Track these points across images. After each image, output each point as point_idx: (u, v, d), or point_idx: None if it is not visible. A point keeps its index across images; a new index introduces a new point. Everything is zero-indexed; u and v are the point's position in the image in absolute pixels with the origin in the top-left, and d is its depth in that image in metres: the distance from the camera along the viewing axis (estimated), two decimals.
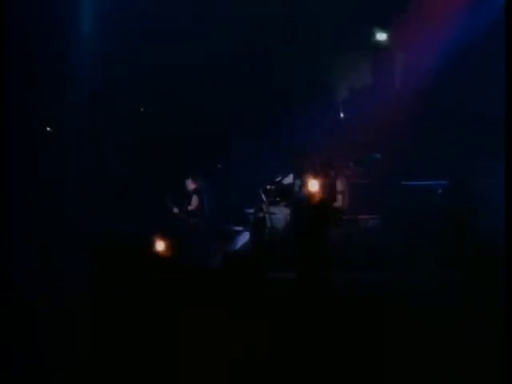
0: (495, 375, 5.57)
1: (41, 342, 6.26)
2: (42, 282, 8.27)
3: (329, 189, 11.45)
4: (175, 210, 12.75)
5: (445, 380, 5.77)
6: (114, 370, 5.76)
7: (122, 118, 14.16)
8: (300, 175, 11.38)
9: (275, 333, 6.48)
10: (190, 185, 12.89)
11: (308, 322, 6.78)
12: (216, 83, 13.93)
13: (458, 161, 12.32)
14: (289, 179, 11.92)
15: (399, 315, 6.89)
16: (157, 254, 9.78)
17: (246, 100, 14.19)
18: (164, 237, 10.00)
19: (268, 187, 12.12)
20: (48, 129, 14.16)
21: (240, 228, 12.50)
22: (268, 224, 11.81)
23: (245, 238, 12.24)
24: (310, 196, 10.66)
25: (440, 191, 12.23)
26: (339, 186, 11.66)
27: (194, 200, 12.83)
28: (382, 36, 14.40)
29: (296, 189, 11.53)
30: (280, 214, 11.88)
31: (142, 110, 14.97)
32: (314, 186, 10.72)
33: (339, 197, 11.62)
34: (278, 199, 12.00)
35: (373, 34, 14.37)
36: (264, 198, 11.93)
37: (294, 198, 11.52)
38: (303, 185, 11.24)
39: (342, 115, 14.55)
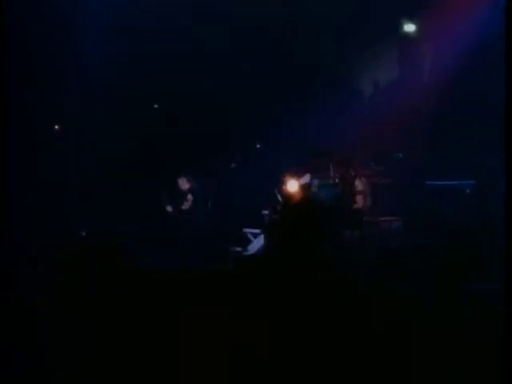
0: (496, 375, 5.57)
1: (41, 341, 6.26)
2: (42, 282, 8.27)
3: (347, 189, 11.10)
4: (169, 209, 12.78)
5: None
6: (114, 370, 5.75)
7: (122, 118, 14.17)
8: (318, 175, 11.05)
9: (275, 333, 6.47)
10: (184, 184, 12.89)
11: (309, 323, 6.77)
12: (216, 83, 13.93)
13: (484, 158, 11.54)
14: (306, 179, 11.37)
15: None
16: None
17: (256, 98, 13.97)
18: None
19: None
20: (56, 127, 14.15)
21: (257, 231, 11.67)
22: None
23: (260, 241, 11.39)
24: (289, 196, 10.23)
25: (468, 191, 11.51)
26: (358, 186, 11.21)
27: (189, 200, 12.83)
28: (410, 27, 13.73)
29: (314, 189, 11.16)
30: None
31: (155, 106, 14.72)
32: (293, 186, 10.34)
33: (358, 197, 11.17)
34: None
35: (400, 26, 13.75)
36: (280, 199, 11.19)
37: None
38: (322, 185, 10.92)
39: (365, 111, 13.82)
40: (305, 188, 10.71)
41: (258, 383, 5.72)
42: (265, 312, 6.90)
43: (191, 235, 12.46)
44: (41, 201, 13.06)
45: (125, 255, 9.37)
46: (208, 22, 13.58)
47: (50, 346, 6.14)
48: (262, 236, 11.24)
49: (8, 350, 6.09)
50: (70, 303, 7.33)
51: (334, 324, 6.68)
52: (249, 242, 11.73)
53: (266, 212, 11.43)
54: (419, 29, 13.71)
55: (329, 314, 6.97)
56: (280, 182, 11.10)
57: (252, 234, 11.81)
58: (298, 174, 11.57)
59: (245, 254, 11.32)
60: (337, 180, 11.44)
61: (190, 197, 12.81)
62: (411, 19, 13.70)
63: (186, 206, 12.82)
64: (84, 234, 11.97)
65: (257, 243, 11.48)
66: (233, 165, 13.45)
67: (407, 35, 13.81)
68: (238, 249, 11.55)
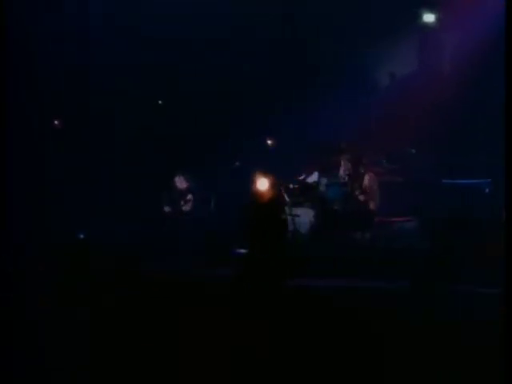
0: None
1: (41, 341, 6.26)
2: (42, 282, 8.27)
3: (357, 188, 10.79)
4: (168, 209, 12.75)
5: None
6: (114, 370, 5.75)
7: (123, 118, 14.17)
8: (326, 173, 10.76)
9: (275, 333, 6.47)
10: (182, 183, 12.86)
11: (306, 325, 6.78)
12: (216, 83, 13.93)
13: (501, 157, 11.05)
14: (313, 177, 11.14)
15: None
16: None
17: (261, 97, 13.85)
18: None
19: (291, 186, 11.13)
20: (56, 127, 14.12)
21: None
22: (291, 227, 10.59)
23: None
24: (258, 194, 9.78)
25: (487, 190, 10.93)
26: (368, 184, 10.85)
27: (189, 200, 12.80)
28: (429, 17, 13.42)
29: (322, 188, 10.92)
30: (304, 217, 10.81)
31: (160, 102, 14.61)
32: (263, 184, 9.86)
33: (369, 197, 10.80)
34: (301, 199, 10.98)
35: (419, 16, 13.46)
36: (286, 199, 10.85)
37: (320, 198, 10.73)
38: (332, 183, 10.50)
39: (377, 108, 13.25)
40: (275, 186, 10.15)
41: (257, 383, 5.72)
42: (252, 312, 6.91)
43: (192, 235, 12.43)
44: (41, 201, 13.05)
45: (125, 256, 9.41)
46: (208, 22, 13.58)
47: (49, 345, 6.14)
48: None
49: (8, 349, 6.09)
50: (69, 303, 7.34)
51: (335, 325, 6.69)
52: None
53: None
54: (439, 19, 13.37)
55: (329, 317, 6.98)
56: (251, 181, 10.53)
57: None
58: (305, 172, 11.30)
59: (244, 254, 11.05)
60: (346, 178, 11.16)
61: (190, 197, 12.79)
62: (430, 9, 13.40)
63: (186, 206, 12.78)
64: (82, 236, 12.02)
65: None
66: (237, 163, 13.07)
67: (426, 25, 13.51)
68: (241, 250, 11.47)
